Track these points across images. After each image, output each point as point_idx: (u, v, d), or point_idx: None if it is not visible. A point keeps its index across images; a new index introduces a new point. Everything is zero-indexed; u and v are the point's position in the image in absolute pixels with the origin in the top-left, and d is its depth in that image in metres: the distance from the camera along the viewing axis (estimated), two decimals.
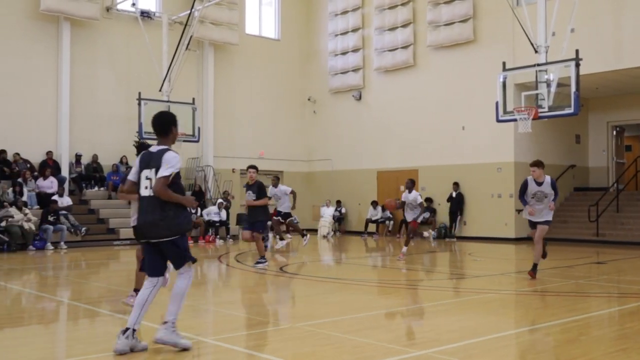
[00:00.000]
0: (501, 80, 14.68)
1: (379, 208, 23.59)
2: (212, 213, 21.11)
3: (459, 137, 21.56)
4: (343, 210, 25.31)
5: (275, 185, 16.69)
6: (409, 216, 14.59)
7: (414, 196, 14.43)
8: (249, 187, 13.02)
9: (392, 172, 23.76)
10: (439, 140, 22.31)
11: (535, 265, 10.79)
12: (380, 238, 22.82)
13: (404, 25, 23.58)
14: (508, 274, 12.72)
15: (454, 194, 21.52)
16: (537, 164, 10.51)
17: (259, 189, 12.94)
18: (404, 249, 14.63)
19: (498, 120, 15.15)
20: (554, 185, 10.57)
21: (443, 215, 22.05)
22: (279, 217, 17.15)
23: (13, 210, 17.58)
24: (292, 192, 17.00)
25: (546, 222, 10.68)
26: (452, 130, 21.87)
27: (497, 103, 14.75)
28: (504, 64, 14.91)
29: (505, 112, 14.62)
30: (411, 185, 14.56)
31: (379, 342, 6.11)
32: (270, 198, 15.15)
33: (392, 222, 23.55)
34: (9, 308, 8.90)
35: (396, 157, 23.68)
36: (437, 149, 22.38)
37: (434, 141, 22.46)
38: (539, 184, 10.53)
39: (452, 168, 21.63)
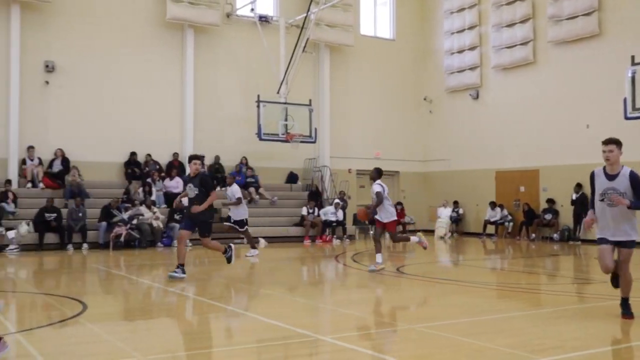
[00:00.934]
0: (630, 75, 13.97)
1: (498, 209, 22.99)
2: (328, 213, 21.36)
3: (583, 135, 20.61)
4: (460, 211, 24.87)
5: (230, 184, 15.85)
6: (383, 216, 12.04)
7: (372, 189, 12.06)
8: (190, 179, 10.99)
9: (511, 172, 23.09)
10: (560, 139, 21.45)
11: (625, 302, 7.37)
12: (499, 240, 22.25)
13: (523, 21, 22.84)
14: (637, 280, 12.05)
15: (574, 196, 20.52)
16: (613, 141, 7.24)
17: (201, 183, 10.86)
18: (378, 256, 12.10)
19: (626, 118, 14.41)
20: (635, 181, 7.05)
21: (566, 217, 21.16)
22: (233, 224, 15.54)
23: (143, 208, 18.61)
24: (238, 199, 15.30)
25: (629, 244, 7.20)
26: (574, 128, 20.96)
27: (625, 99, 14.02)
28: (632, 57, 14.16)
29: (634, 108, 13.89)
30: (376, 175, 12.20)
31: (499, 347, 5.99)
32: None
33: (511, 224, 22.88)
34: (141, 301, 9.44)
35: (515, 156, 22.99)
36: (559, 149, 21.51)
37: (556, 140, 21.61)
38: (611, 177, 7.17)
39: (575, 168, 20.72)
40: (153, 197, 19.67)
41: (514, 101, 23.32)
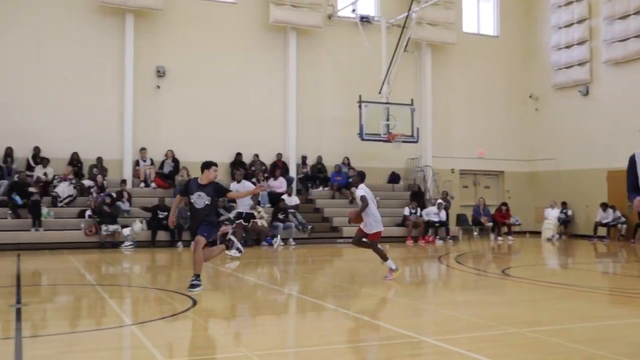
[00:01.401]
0: None
1: (610, 210, 21.94)
2: (431, 213, 21.12)
3: None
4: (569, 213, 23.92)
5: (239, 181, 15.99)
6: (368, 226, 10.91)
7: (356, 194, 11.08)
8: (200, 187, 9.53)
9: (624, 171, 21.94)
10: None
11: None
12: (611, 242, 21.25)
13: (638, 12, 21.70)
14: None
15: None
16: None
17: (217, 192, 9.68)
18: (390, 264, 10.97)
19: None
20: None
21: None
22: (241, 220, 16.03)
23: None
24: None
25: None
26: None
27: None
28: None
29: None
30: (359, 179, 11.26)
31: (614, 355, 5.71)
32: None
33: (625, 226, 21.77)
34: (247, 298, 9.69)
35: (629, 155, 21.82)
36: None
37: None
38: None
39: None
40: (258, 197, 20.12)
41: (627, 97, 22.19)
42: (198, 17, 21.40)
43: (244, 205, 16.16)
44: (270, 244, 18.22)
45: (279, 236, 15.10)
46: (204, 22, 21.47)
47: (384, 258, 10.90)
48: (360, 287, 10.69)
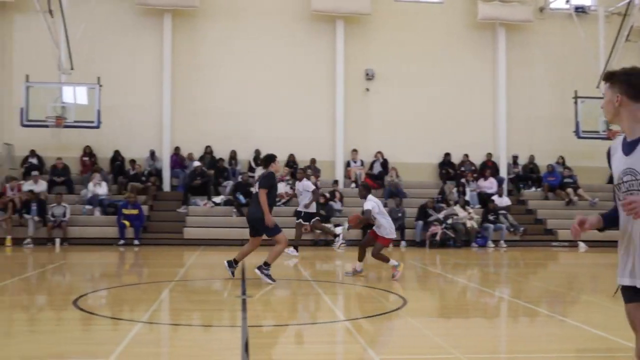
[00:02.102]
0: None
1: None
2: None
3: None
4: None
5: (300, 179, 15.47)
6: (382, 231, 10.91)
7: (365, 206, 10.91)
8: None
9: None
10: None
11: None
12: None
13: None
14: None
15: None
16: (608, 77, 3.55)
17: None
18: (392, 262, 10.87)
19: None
20: None
21: None
22: (300, 219, 15.17)
23: (457, 208, 18.91)
24: (314, 191, 15.20)
25: None
26: None
27: None
28: None
29: None
30: (365, 192, 11.13)
31: None
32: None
33: None
34: (457, 299, 9.63)
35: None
36: None
37: None
38: (628, 147, 3.42)
39: None
40: (467, 197, 19.86)
41: None
42: (405, 18, 21.61)
43: (304, 205, 15.43)
44: (481, 245, 17.88)
45: (340, 235, 14.39)
46: (411, 23, 21.63)
47: (387, 261, 10.89)
48: (578, 294, 10.14)
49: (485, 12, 21.44)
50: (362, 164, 21.07)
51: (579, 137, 20.13)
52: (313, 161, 20.71)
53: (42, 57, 18.83)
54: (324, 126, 21.25)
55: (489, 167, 21.19)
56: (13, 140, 20.03)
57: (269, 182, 9.82)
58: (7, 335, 6.75)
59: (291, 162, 20.70)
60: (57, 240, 17.09)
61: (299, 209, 15.45)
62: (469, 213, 18.79)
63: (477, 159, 21.62)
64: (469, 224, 18.51)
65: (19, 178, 18.88)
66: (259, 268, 9.82)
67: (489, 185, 20.48)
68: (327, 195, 18.98)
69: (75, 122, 17.77)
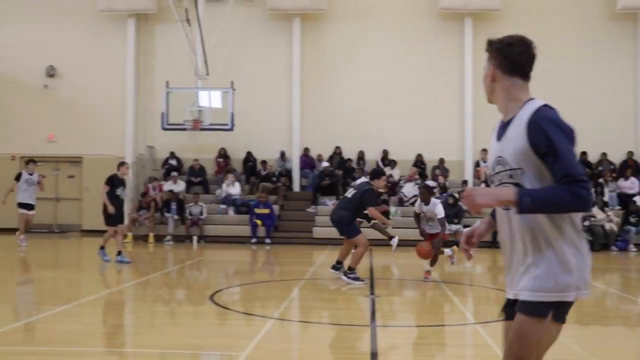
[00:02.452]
0: None
1: None
2: None
3: None
4: None
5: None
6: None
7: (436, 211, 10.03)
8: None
9: None
10: None
11: None
12: None
13: None
14: None
15: None
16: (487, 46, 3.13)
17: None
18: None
19: None
20: (539, 131, 2.68)
21: None
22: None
23: (595, 210, 17.96)
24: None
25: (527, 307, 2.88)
26: None
27: None
28: None
29: None
30: (428, 194, 10.21)
31: None
32: None
33: None
34: (594, 306, 9.16)
35: None
36: None
37: None
38: (501, 131, 2.93)
39: None
40: (605, 198, 18.82)
41: None
42: (537, 13, 20.76)
43: None
44: (622, 249, 16.91)
45: (396, 237, 13.36)
46: (543, 17, 20.71)
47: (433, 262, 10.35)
48: None
49: (624, 1, 20.19)
50: None
51: None
52: (441, 161, 20.42)
53: (180, 64, 19.87)
54: (453, 125, 20.90)
55: (629, 166, 19.96)
56: (154, 143, 21.28)
57: (374, 199, 10.21)
58: (150, 325, 7.19)
59: (419, 162, 20.54)
60: (195, 238, 17.95)
61: None
62: (608, 215, 17.79)
63: (617, 157, 20.42)
64: (607, 226, 17.52)
65: (159, 179, 20.02)
66: (345, 274, 9.84)
67: (630, 185, 19.29)
68: (456, 196, 18.65)
69: (211, 125, 18.56)
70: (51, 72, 21.61)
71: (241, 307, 8.31)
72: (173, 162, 20.84)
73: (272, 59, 21.22)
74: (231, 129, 18.58)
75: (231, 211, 19.11)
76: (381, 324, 7.05)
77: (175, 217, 18.32)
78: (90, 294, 9.05)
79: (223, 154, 20.99)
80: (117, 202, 12.36)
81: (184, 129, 18.46)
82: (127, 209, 19.68)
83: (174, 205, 18.44)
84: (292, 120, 21.07)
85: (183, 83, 18.92)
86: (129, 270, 12.00)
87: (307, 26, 21.21)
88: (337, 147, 20.89)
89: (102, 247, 12.36)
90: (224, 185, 19.54)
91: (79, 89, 21.51)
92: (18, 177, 15.57)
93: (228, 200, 19.17)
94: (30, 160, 16.12)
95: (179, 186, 19.41)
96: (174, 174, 19.89)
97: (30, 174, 15.74)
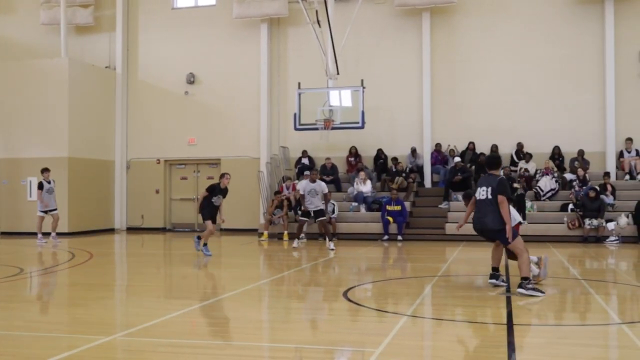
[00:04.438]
0: None
1: None
2: None
3: None
4: None
5: (313, 181, 15.67)
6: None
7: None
8: None
9: None
10: None
11: None
12: None
13: None
14: None
15: None
16: None
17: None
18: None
19: None
20: None
21: None
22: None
23: None
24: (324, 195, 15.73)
25: None
26: None
27: None
28: None
29: None
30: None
31: None
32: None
33: None
34: None
35: None
36: None
37: None
38: None
39: None
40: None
41: None
42: None
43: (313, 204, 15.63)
44: None
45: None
46: None
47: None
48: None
49: None
50: (638, 153, 19.26)
51: None
52: (581, 152, 19.46)
53: (311, 65, 20.30)
54: (592, 115, 19.84)
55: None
56: (288, 143, 21.88)
57: (507, 189, 8.81)
58: (285, 321, 7.42)
59: (556, 155, 19.71)
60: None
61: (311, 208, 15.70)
62: None
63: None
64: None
65: (292, 178, 20.54)
66: (520, 287, 8.83)
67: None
68: (597, 188, 17.70)
69: (342, 123, 18.78)
70: (191, 79, 22.82)
71: (374, 304, 8.37)
72: (305, 161, 21.32)
73: (401, 55, 21.17)
74: (362, 127, 18.72)
75: (363, 208, 19.26)
76: (518, 322, 6.86)
77: None
78: (228, 290, 9.47)
79: (354, 152, 21.18)
80: (212, 207, 13.70)
81: (316, 129, 18.82)
82: (263, 208, 20.45)
83: None
84: (422, 116, 20.91)
85: (314, 83, 19.30)
86: (265, 267, 12.41)
87: (436, 20, 20.95)
88: (471, 142, 20.47)
89: (205, 244, 13.72)
90: (355, 183, 19.73)
91: (217, 94, 22.57)
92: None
93: (360, 198, 19.33)
94: (45, 169, 17.77)
95: None
96: (307, 172, 20.29)
97: (49, 182, 17.62)
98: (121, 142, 23.29)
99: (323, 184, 16.09)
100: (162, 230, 22.91)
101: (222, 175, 14.04)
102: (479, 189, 8.95)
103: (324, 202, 15.85)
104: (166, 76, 23.05)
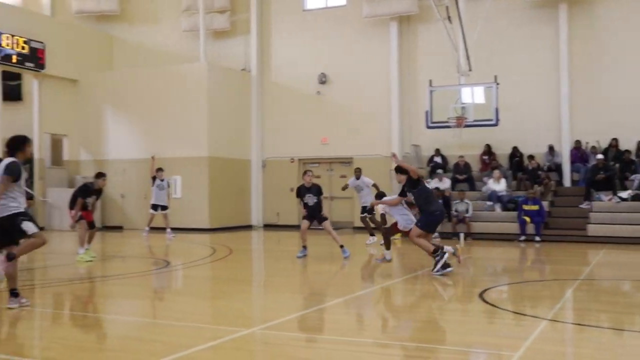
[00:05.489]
0: None
1: None
2: None
3: None
4: None
5: (357, 177, 16.13)
6: None
7: None
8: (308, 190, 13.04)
9: None
10: None
11: None
12: None
13: None
14: None
15: None
16: None
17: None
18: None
19: None
20: None
21: None
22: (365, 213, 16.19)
23: None
24: (375, 185, 16.21)
25: None
26: None
27: None
28: None
29: None
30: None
31: None
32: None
33: None
34: None
35: None
36: None
37: None
38: None
39: None
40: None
41: None
42: None
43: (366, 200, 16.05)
44: None
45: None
46: None
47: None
48: None
49: None
50: None
51: None
52: None
53: (442, 62, 20.01)
54: None
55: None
56: (420, 141, 21.69)
57: None
58: (419, 320, 7.37)
59: None
60: (461, 235, 17.90)
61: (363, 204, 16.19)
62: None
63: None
64: None
65: (424, 177, 20.31)
66: None
67: None
68: None
69: (475, 121, 18.37)
70: (323, 79, 23.19)
71: (511, 306, 8.13)
72: (438, 159, 21.05)
73: (536, 49, 20.39)
74: (496, 124, 18.21)
75: (498, 208, 18.73)
76: None
77: None
78: (362, 288, 9.55)
79: (488, 150, 20.65)
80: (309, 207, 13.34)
81: (448, 127, 18.53)
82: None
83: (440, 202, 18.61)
84: (560, 112, 20.02)
85: (446, 81, 19.02)
86: (397, 266, 12.42)
87: (574, 11, 19.99)
88: (614, 139, 19.32)
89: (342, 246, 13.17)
90: (489, 182, 19.23)
91: (348, 93, 22.79)
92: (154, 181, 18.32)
93: (494, 197, 18.82)
94: (159, 169, 18.41)
95: (445, 184, 19.51)
96: (440, 171, 20.06)
97: (162, 180, 18.30)
98: (257, 142, 24.09)
99: (367, 178, 16.66)
100: (298, 227, 23.39)
101: (305, 173, 13.50)
102: None
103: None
104: (298, 77, 23.57)
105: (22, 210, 7.46)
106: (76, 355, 5.57)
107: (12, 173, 7.32)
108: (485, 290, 8.94)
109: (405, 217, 11.46)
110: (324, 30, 23.22)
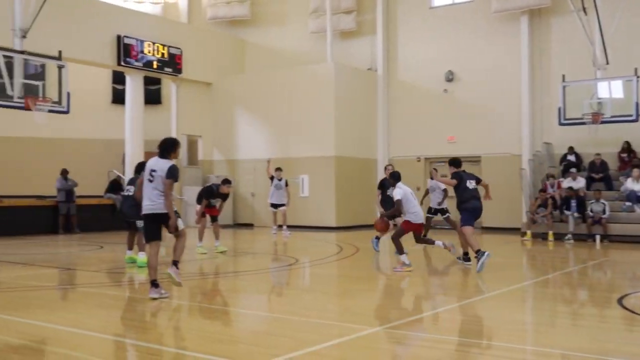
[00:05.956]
0: None
1: None
2: None
3: None
4: None
5: (432, 178, 14.17)
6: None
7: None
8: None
9: None
10: None
11: None
12: None
13: None
14: None
15: None
16: None
17: None
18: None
19: None
20: None
21: None
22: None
23: None
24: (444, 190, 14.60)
25: None
26: None
27: None
28: None
29: None
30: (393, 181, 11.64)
31: None
32: None
33: None
34: None
35: None
36: None
37: None
38: None
39: None
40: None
41: None
42: None
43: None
44: None
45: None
46: None
47: (400, 251, 11.14)
48: None
49: None
50: None
51: None
52: None
53: (576, 55, 19.16)
54: None
55: None
56: (551, 139, 20.86)
57: None
58: (551, 325, 7.10)
59: None
60: (597, 237, 17.06)
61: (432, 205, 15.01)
62: None
63: None
64: None
65: (557, 176, 19.50)
66: None
67: None
68: None
69: (612, 117, 17.44)
70: (450, 77, 22.85)
71: None
72: (572, 157, 20.14)
73: None
74: (636, 120, 17.19)
75: (637, 209, 17.65)
76: None
77: (576, 215, 17.67)
78: (491, 290, 9.33)
79: (627, 148, 19.51)
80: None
81: (583, 123, 17.71)
82: (525, 207, 19.72)
83: (573, 203, 17.82)
84: None
85: (580, 75, 18.19)
86: (528, 268, 12.01)
87: None
88: None
89: (377, 238, 14.10)
90: (628, 181, 18.15)
91: (476, 91, 22.31)
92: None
93: (633, 197, 17.74)
94: (277, 168, 18.53)
95: (579, 183, 18.64)
96: (573, 170, 19.19)
97: (280, 180, 18.37)
98: (383, 141, 24.11)
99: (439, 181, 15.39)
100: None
101: (386, 169, 14.30)
102: None
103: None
104: (425, 75, 23.35)
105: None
106: (212, 346, 5.85)
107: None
108: (625, 295, 8.47)
109: (417, 213, 11.23)
110: (450, 27, 22.87)
